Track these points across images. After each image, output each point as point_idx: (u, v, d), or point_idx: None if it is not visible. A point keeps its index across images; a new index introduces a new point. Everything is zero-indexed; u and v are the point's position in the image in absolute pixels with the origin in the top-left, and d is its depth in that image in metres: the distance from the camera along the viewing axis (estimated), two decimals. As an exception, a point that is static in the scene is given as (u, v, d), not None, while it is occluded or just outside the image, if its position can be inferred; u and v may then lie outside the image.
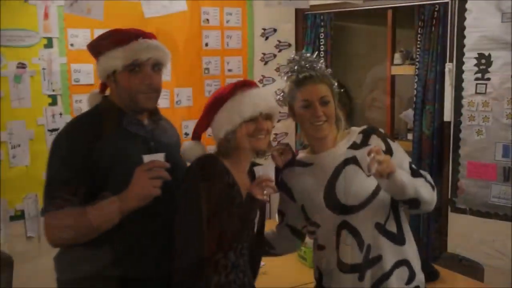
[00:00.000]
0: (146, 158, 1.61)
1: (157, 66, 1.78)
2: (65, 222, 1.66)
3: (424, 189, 1.71)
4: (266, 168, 1.68)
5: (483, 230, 3.17)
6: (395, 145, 1.81)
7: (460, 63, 3.23)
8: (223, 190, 1.66)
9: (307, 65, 1.80)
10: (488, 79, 3.12)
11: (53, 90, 3.31)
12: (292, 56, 1.85)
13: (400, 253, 1.76)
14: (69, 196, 1.64)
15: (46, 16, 3.24)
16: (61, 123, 3.33)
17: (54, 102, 3.32)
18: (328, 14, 3.95)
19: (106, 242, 1.68)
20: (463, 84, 3.22)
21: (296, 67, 1.81)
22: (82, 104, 3.42)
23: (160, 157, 1.63)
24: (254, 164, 1.81)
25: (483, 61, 3.14)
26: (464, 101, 3.22)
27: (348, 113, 4.86)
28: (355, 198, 1.73)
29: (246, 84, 1.77)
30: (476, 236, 3.18)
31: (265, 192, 1.64)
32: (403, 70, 3.74)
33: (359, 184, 1.73)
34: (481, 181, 3.19)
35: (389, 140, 1.81)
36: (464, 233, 3.24)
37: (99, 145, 1.68)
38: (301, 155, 1.89)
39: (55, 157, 1.74)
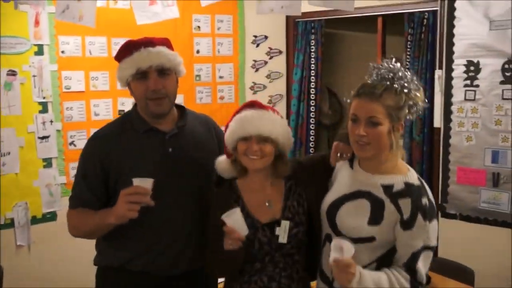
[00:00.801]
0: (135, 181, 1.68)
1: (164, 71, 1.84)
2: (72, 221, 1.90)
3: None
4: (232, 215, 1.66)
5: (473, 235, 3.20)
6: (421, 224, 1.60)
7: (449, 70, 3.26)
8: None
9: (386, 76, 1.64)
10: (477, 85, 3.16)
11: (44, 97, 3.30)
12: (378, 63, 1.70)
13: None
14: (85, 193, 1.86)
15: (37, 23, 3.23)
16: (51, 130, 3.32)
17: (44, 110, 3.31)
18: (318, 21, 3.98)
19: (126, 236, 1.84)
20: (453, 91, 3.26)
21: (373, 73, 1.69)
22: (73, 111, 3.41)
23: (149, 182, 1.68)
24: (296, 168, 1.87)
25: (472, 68, 3.17)
26: (454, 108, 3.26)
27: (339, 120, 4.90)
28: (346, 230, 1.68)
29: (249, 105, 1.83)
30: (466, 241, 3.21)
31: (229, 242, 1.67)
32: (393, 77, 3.76)
33: (357, 223, 1.65)
34: (470, 187, 3.21)
35: (419, 216, 1.59)
36: (454, 238, 3.27)
37: (114, 155, 1.84)
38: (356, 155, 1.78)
39: (80, 158, 1.94)
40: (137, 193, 1.67)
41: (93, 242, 2.02)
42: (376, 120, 1.61)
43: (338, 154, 1.84)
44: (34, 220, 3.32)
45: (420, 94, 1.67)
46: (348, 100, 1.72)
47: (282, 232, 1.75)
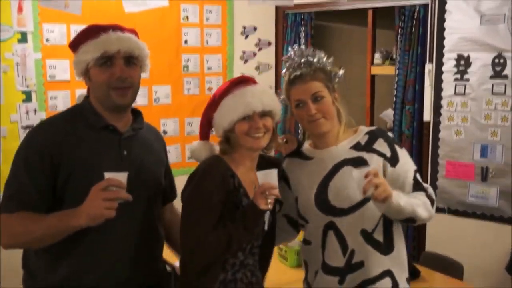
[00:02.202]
0: (107, 175, 1.50)
1: (131, 60, 1.67)
2: (11, 229, 1.58)
3: (421, 209, 1.66)
4: (270, 174, 1.59)
5: (461, 229, 3.21)
6: (402, 153, 1.75)
7: (439, 64, 3.26)
8: (227, 195, 1.64)
9: (302, 60, 1.72)
10: (467, 80, 3.15)
11: (27, 86, 3.21)
12: (288, 53, 1.78)
13: (384, 262, 1.71)
14: (28, 192, 1.57)
15: (20, 9, 3.14)
16: (35, 120, 3.23)
17: (28, 99, 3.22)
18: (308, 14, 3.94)
19: (71, 249, 1.61)
20: (443, 85, 3.25)
21: (290, 64, 1.75)
22: (58, 100, 3.33)
23: (122, 176, 1.51)
24: (260, 162, 1.77)
25: (462, 62, 3.17)
26: (443, 102, 3.25)
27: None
28: (345, 201, 1.68)
29: (241, 81, 1.73)
30: (455, 235, 3.22)
31: (269, 201, 1.58)
32: (383, 70, 3.76)
33: (352, 187, 1.67)
34: (459, 181, 3.22)
35: (396, 147, 1.74)
36: (442, 232, 3.27)
37: (66, 148, 1.60)
38: (305, 146, 1.84)
39: (18, 155, 1.64)
40: (111, 186, 1.48)
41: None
42: (320, 94, 1.71)
43: (285, 140, 1.85)
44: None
45: (332, 64, 1.78)
46: (282, 96, 1.80)
47: (267, 219, 1.71)
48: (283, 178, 1.82)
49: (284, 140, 1.83)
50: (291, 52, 1.77)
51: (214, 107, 1.72)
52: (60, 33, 3.30)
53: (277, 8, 4.01)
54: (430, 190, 1.76)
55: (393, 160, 1.71)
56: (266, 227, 1.72)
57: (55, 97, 3.32)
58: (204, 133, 1.80)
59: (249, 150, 1.71)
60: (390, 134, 1.79)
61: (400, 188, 1.68)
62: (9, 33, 3.13)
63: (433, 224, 3.32)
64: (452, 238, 3.22)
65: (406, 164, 1.74)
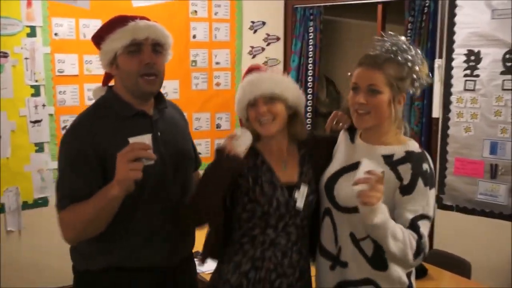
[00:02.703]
0: (132, 140, 1.52)
1: (158, 47, 1.72)
2: (66, 222, 1.64)
3: (396, 245, 1.50)
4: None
5: (470, 226, 3.18)
6: (422, 191, 1.58)
7: (449, 60, 3.22)
8: (248, 170, 1.71)
9: (391, 49, 1.63)
10: (477, 75, 3.12)
11: (36, 81, 3.23)
12: (383, 37, 1.68)
13: (371, 273, 1.65)
14: (77, 193, 1.61)
15: (29, 4, 3.16)
16: (44, 114, 3.26)
17: (37, 93, 3.24)
18: (317, 8, 3.92)
19: (123, 235, 1.70)
20: (452, 81, 3.22)
21: (377, 47, 1.66)
22: (66, 95, 3.35)
23: (146, 138, 1.53)
24: (309, 141, 1.81)
25: (472, 57, 3.13)
26: (453, 98, 3.22)
27: (336, 108, 4.86)
28: (342, 199, 1.66)
29: (250, 70, 1.78)
30: (463, 233, 3.19)
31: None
32: (392, 65, 3.72)
33: (354, 192, 1.59)
34: (468, 178, 3.19)
35: (419, 182, 1.57)
36: (450, 230, 3.25)
37: (105, 140, 1.65)
38: (357, 128, 1.76)
39: (62, 157, 1.69)
40: (136, 149, 1.50)
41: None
42: (376, 87, 1.60)
43: (334, 122, 1.83)
44: (25, 205, 3.27)
45: (424, 68, 1.67)
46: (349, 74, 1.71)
47: (300, 197, 1.71)
48: (335, 149, 1.83)
49: (334, 121, 1.82)
50: (386, 36, 1.68)
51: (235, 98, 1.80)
52: (68, 27, 3.31)
53: (286, 2, 3.99)
54: (424, 241, 1.56)
55: (407, 190, 1.58)
56: (299, 205, 1.70)
57: (63, 92, 3.33)
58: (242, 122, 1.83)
59: (264, 137, 1.74)
60: (425, 167, 1.60)
61: (394, 218, 1.58)
62: (18, 27, 3.14)
63: (441, 222, 3.30)
64: (460, 236, 3.19)
65: (416, 203, 1.58)
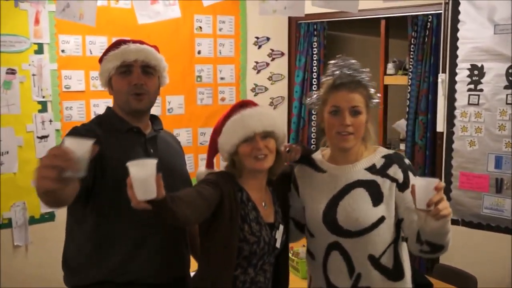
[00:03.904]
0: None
1: (148, 70, 1.82)
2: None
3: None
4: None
5: (476, 241, 3.16)
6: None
7: (453, 74, 3.24)
8: (234, 203, 1.66)
9: (349, 72, 1.70)
10: (481, 90, 3.13)
11: (43, 97, 3.27)
12: (336, 60, 1.75)
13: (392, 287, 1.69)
14: None
15: (37, 21, 3.20)
16: (50, 130, 3.29)
17: (44, 109, 3.28)
18: (321, 23, 3.95)
19: (111, 247, 1.72)
20: (456, 95, 3.23)
21: (336, 72, 1.71)
22: (72, 111, 3.38)
23: (86, 144, 1.34)
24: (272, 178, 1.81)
25: (475, 72, 3.15)
26: (457, 112, 3.23)
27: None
28: (353, 224, 1.65)
29: (243, 105, 1.78)
30: (469, 247, 3.17)
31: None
32: (396, 80, 3.75)
33: (363, 211, 1.65)
34: (473, 192, 3.18)
35: (410, 174, 1.68)
36: (456, 244, 3.22)
37: (101, 148, 1.62)
38: (318, 156, 1.82)
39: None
40: (50, 156, 1.29)
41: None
42: (359, 109, 1.67)
43: (287, 149, 1.82)
44: (32, 220, 3.28)
45: (374, 87, 1.75)
46: (308, 99, 1.79)
47: (279, 237, 1.73)
48: (292, 182, 1.85)
49: (287, 149, 1.81)
50: (340, 60, 1.74)
51: (219, 132, 1.76)
52: (75, 44, 3.35)
53: (289, 18, 4.03)
54: None
55: (404, 185, 1.66)
56: (278, 245, 1.72)
57: (70, 107, 3.37)
58: (210, 161, 1.84)
59: (254, 172, 1.72)
60: (407, 161, 1.74)
61: (404, 214, 1.65)
62: (26, 45, 3.19)
63: (446, 235, 3.28)
64: (466, 250, 3.17)
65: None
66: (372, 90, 1.73)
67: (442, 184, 1.44)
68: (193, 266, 1.90)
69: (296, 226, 1.87)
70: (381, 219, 1.65)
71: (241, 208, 1.67)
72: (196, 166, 3.84)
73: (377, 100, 1.75)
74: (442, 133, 3.30)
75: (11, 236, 3.22)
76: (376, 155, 1.73)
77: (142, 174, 1.30)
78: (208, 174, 1.75)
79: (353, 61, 1.74)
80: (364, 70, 1.73)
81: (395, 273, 1.68)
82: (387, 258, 1.67)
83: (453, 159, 3.25)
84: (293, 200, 1.86)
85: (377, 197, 1.66)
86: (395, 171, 1.68)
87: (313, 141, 4.09)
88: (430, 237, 1.55)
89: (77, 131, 1.73)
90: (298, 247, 2.75)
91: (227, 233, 1.64)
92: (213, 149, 1.83)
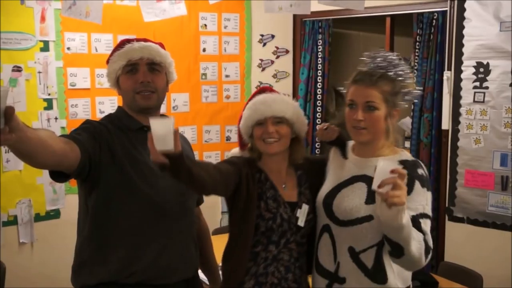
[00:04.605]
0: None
1: (154, 66, 1.81)
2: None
3: (415, 244, 1.49)
4: (164, 122, 1.44)
5: (481, 239, 3.16)
6: (416, 194, 1.59)
7: (458, 72, 3.23)
8: (251, 182, 1.74)
9: (381, 64, 1.68)
10: (487, 87, 3.12)
11: (49, 94, 3.28)
12: (373, 52, 1.73)
13: (367, 285, 1.65)
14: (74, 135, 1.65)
15: (43, 19, 3.21)
16: (56, 127, 3.30)
17: (49, 106, 3.29)
18: (326, 21, 3.95)
19: (118, 247, 1.72)
20: (461, 93, 3.22)
21: (368, 63, 1.70)
22: (78, 108, 3.39)
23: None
24: (303, 163, 1.86)
25: (481, 69, 3.14)
26: (462, 110, 3.22)
27: (345, 121, 4.87)
28: (342, 213, 1.68)
29: (261, 91, 1.86)
30: (474, 245, 3.17)
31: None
32: (401, 77, 3.73)
33: (353, 204, 1.66)
34: (478, 190, 3.17)
35: (416, 185, 1.59)
36: (461, 242, 3.23)
37: (111, 140, 1.72)
38: (350, 144, 1.82)
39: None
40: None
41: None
42: (373, 104, 1.64)
43: (324, 127, 1.84)
44: (38, 218, 3.30)
45: (412, 81, 1.72)
46: (343, 89, 1.76)
47: (302, 215, 1.76)
48: (327, 166, 1.87)
49: (325, 127, 1.84)
50: (376, 52, 1.72)
51: (240, 118, 1.85)
52: (81, 41, 3.36)
53: (294, 16, 4.02)
54: (429, 238, 1.56)
55: (408, 189, 1.56)
56: (300, 223, 1.75)
57: (75, 105, 3.38)
58: (241, 143, 1.91)
59: (266, 155, 1.80)
60: (420, 171, 1.64)
61: None
62: (32, 42, 3.20)
63: (452, 234, 3.28)
64: (471, 248, 3.17)
65: (415, 202, 1.58)
66: (405, 84, 1.68)
67: (402, 170, 1.39)
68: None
69: None
70: (367, 218, 1.63)
71: (258, 187, 1.76)
72: (201, 163, 3.84)
73: (413, 95, 1.70)
74: (448, 130, 3.30)
75: (17, 233, 3.23)
76: (395, 157, 1.68)
77: (162, 128, 1.43)
78: (232, 156, 1.86)
79: (391, 54, 1.71)
80: (400, 63, 1.69)
81: (374, 274, 1.64)
82: (367, 257, 1.65)
83: (459, 156, 3.25)
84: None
85: (372, 197, 1.59)
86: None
87: (317, 139, 4.09)
88: (385, 229, 1.49)
89: (91, 123, 1.76)
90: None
91: (245, 210, 1.72)
92: (240, 134, 1.91)
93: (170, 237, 1.77)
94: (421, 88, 3.42)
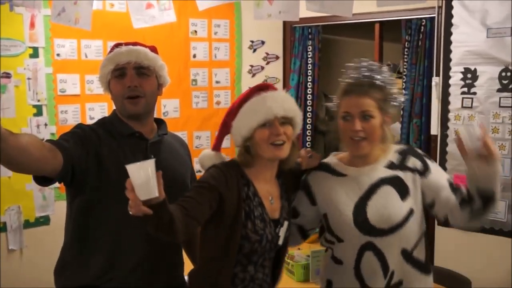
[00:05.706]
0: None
1: (142, 70, 1.78)
2: None
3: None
4: (143, 166, 1.33)
5: (470, 243, 3.18)
6: (433, 165, 1.76)
7: (446, 77, 3.26)
8: (237, 201, 1.59)
9: (366, 73, 1.70)
10: (474, 93, 3.15)
11: (38, 100, 3.27)
12: (355, 63, 1.74)
13: (423, 281, 1.71)
14: (65, 139, 1.65)
15: (32, 25, 3.21)
16: (45, 134, 3.28)
17: (39, 113, 3.28)
18: (316, 27, 3.97)
19: (99, 252, 1.70)
20: (450, 98, 3.25)
21: (352, 74, 1.72)
22: (68, 114, 3.38)
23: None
24: (281, 171, 1.76)
25: (469, 75, 3.17)
26: (451, 115, 3.25)
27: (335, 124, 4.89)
28: (386, 222, 1.66)
29: (262, 88, 1.69)
30: (463, 250, 3.19)
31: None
32: (390, 83, 3.76)
33: (393, 207, 1.66)
34: (467, 195, 3.19)
35: (426, 159, 1.76)
36: (450, 247, 3.25)
37: (101, 146, 1.71)
38: (334, 161, 1.80)
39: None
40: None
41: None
42: (369, 113, 1.66)
43: (309, 155, 1.82)
44: (27, 224, 3.28)
45: (397, 87, 1.78)
46: (329, 104, 1.79)
47: (282, 233, 1.69)
48: (304, 189, 1.80)
49: (309, 154, 1.80)
50: (358, 62, 1.73)
51: (233, 115, 1.67)
52: (70, 48, 3.36)
53: (284, 22, 4.04)
54: None
55: (425, 171, 1.72)
56: (280, 242, 1.70)
57: (65, 111, 3.37)
58: (218, 144, 1.77)
59: (269, 160, 1.65)
60: (419, 150, 1.82)
61: (435, 196, 1.70)
62: (21, 48, 3.19)
63: (441, 238, 3.30)
64: (460, 253, 3.19)
65: (438, 172, 1.75)
66: (391, 90, 1.72)
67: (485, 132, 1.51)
68: (186, 269, 1.89)
69: (300, 231, 1.87)
70: (411, 212, 1.68)
71: (245, 205, 1.61)
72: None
73: (400, 100, 1.75)
74: (436, 136, 3.32)
75: (6, 240, 3.21)
76: (390, 152, 1.76)
77: (142, 173, 1.28)
78: (211, 167, 1.65)
79: (371, 62, 1.73)
80: (382, 70, 1.72)
81: (426, 266, 1.73)
82: (419, 251, 1.72)
83: (447, 162, 3.27)
84: (304, 208, 1.82)
85: (403, 191, 1.70)
86: (413, 161, 1.73)
87: (308, 145, 4.10)
88: (483, 183, 1.55)
89: (81, 128, 1.74)
90: (293, 251, 2.75)
91: (229, 230, 1.59)
92: (223, 133, 1.75)
93: (153, 243, 1.72)
94: (408, 93, 3.46)
